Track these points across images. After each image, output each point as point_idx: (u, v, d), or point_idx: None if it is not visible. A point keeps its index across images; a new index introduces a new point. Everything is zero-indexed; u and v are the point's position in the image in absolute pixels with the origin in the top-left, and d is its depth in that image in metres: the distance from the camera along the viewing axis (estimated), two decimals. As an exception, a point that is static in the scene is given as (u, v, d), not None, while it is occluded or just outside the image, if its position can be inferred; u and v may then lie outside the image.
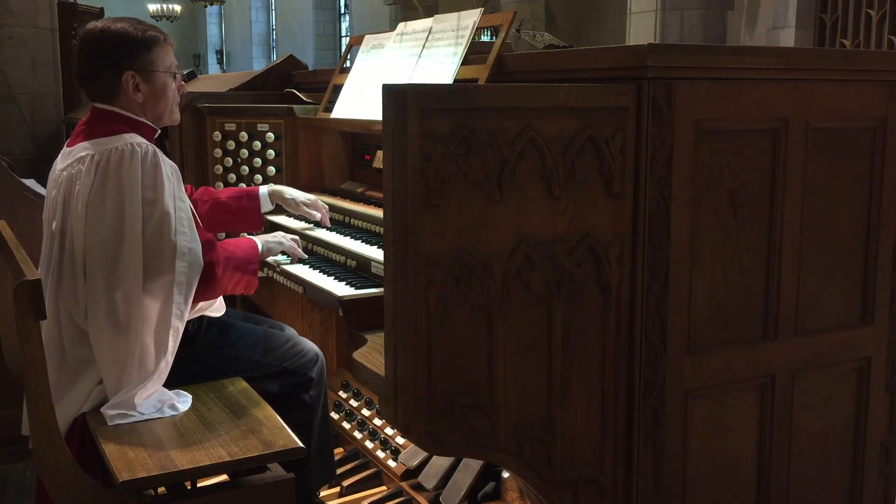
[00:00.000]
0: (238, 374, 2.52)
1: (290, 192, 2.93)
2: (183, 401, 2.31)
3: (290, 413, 2.45)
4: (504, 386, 1.77)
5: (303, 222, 3.00)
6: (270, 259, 2.67)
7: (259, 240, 2.57)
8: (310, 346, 2.66)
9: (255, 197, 2.89)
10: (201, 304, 2.44)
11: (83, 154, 2.22)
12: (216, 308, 2.55)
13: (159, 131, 2.42)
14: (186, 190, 2.77)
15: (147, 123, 2.36)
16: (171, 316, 2.20)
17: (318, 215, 2.91)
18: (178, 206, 2.22)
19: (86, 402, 2.25)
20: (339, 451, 3.21)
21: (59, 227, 2.24)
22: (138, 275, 2.15)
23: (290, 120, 3.30)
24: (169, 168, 2.23)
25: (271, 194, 2.91)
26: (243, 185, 3.33)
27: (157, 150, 2.23)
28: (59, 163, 2.33)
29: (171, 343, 2.22)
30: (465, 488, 2.64)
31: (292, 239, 2.67)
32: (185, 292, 2.22)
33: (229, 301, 3.39)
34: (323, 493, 2.98)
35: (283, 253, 2.67)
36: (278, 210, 2.97)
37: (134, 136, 2.25)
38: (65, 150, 2.35)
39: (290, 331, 2.73)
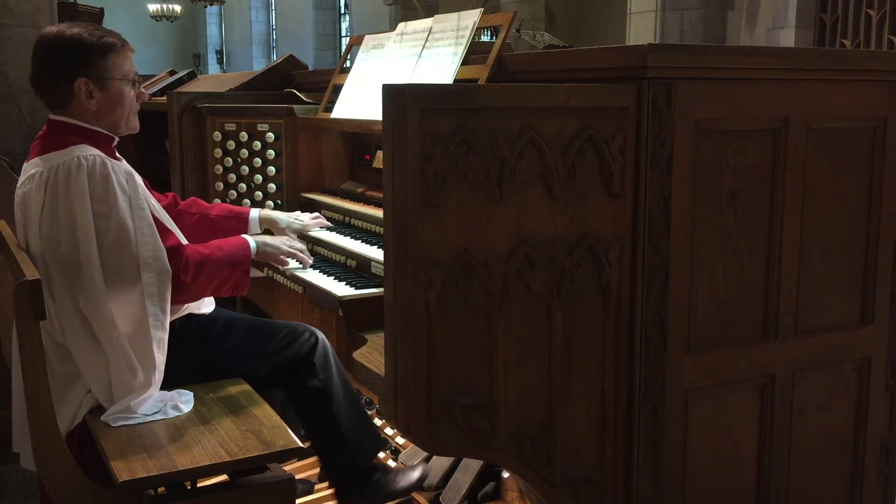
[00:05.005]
0: (238, 370, 2.47)
1: (285, 221, 2.86)
2: (185, 400, 2.28)
3: (302, 402, 2.44)
4: (504, 386, 1.78)
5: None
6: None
7: (253, 240, 2.49)
8: (307, 330, 2.54)
9: (244, 220, 2.83)
10: (187, 304, 2.39)
11: (34, 171, 2.18)
12: (206, 305, 2.50)
13: (117, 140, 2.34)
14: (168, 199, 2.72)
15: (103, 132, 2.28)
16: (150, 328, 2.15)
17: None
18: (136, 215, 2.15)
19: (79, 410, 2.21)
20: (339, 451, 3.20)
21: (24, 246, 2.19)
22: (100, 286, 2.10)
23: (290, 120, 3.30)
24: (123, 177, 2.16)
25: (262, 219, 2.85)
26: (243, 186, 3.34)
27: (108, 161, 2.16)
28: (20, 180, 2.28)
29: (157, 356, 2.17)
30: (465, 488, 2.64)
31: (291, 247, 2.59)
32: (160, 303, 2.17)
33: (229, 301, 3.39)
34: (321, 493, 2.97)
35: (294, 259, 2.63)
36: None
37: (84, 147, 2.18)
38: (24, 164, 2.29)
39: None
